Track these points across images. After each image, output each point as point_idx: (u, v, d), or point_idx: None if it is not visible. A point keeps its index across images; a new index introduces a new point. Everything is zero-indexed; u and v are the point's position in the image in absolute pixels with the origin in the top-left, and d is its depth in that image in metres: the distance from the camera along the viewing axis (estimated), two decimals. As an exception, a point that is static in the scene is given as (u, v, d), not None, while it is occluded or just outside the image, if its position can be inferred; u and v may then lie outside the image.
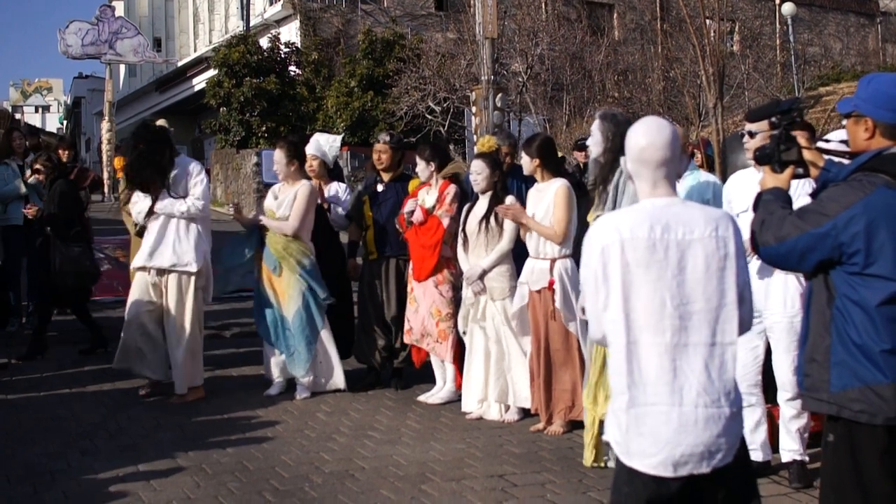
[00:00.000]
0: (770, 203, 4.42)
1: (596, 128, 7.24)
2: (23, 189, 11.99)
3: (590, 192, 7.54)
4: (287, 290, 9.26)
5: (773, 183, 4.53)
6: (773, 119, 4.62)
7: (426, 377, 9.58)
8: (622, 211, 4.11)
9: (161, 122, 10.38)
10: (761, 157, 4.62)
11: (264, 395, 9.33)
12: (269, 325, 9.36)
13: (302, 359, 9.28)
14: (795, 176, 4.58)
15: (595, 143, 7.26)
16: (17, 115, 76.30)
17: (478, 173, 8.56)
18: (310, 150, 9.95)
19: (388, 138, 9.85)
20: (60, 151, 14.07)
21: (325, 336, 9.43)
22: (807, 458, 6.85)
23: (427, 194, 9.25)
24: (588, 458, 7.18)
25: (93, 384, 9.65)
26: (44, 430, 8.21)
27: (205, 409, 8.84)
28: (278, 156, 9.42)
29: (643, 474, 3.85)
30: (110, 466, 7.21)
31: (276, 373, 9.46)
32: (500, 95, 22.54)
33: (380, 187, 9.78)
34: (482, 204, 8.63)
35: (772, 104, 4.76)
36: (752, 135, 6.63)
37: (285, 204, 9.29)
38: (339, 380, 9.53)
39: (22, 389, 9.52)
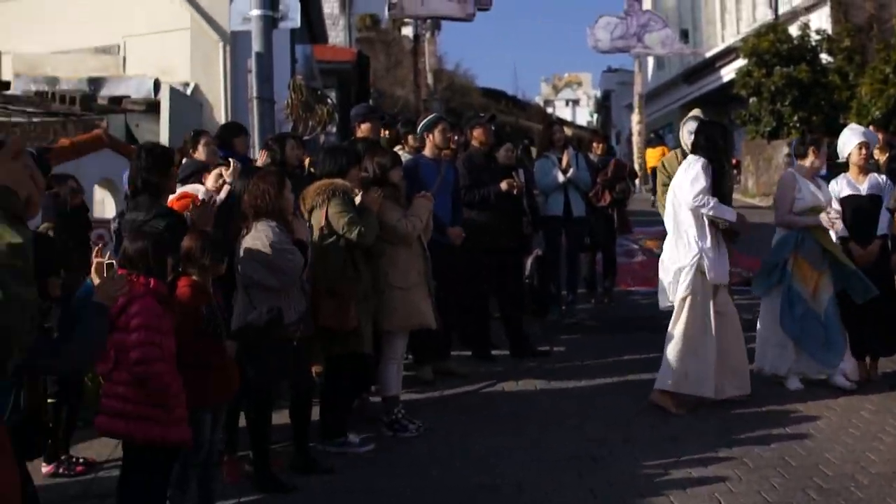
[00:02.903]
0: None
1: None
2: (561, 179, 12.34)
3: None
4: (822, 282, 9.02)
5: None
6: None
7: None
8: None
9: (696, 111, 10.34)
10: None
11: (794, 390, 9.05)
12: (798, 321, 9.08)
13: (839, 350, 9.05)
14: None
15: None
16: (549, 109, 79.86)
17: None
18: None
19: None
20: (594, 145, 14.47)
21: None
22: None
23: None
24: None
25: (633, 373, 9.81)
26: (586, 418, 8.46)
27: (743, 403, 8.69)
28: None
29: None
30: (651, 456, 7.32)
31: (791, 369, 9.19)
32: None
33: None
34: None
35: None
36: None
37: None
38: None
39: (564, 377, 9.86)
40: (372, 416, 8.46)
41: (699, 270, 8.50)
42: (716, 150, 8.66)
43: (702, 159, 8.61)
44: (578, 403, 8.94)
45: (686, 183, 8.57)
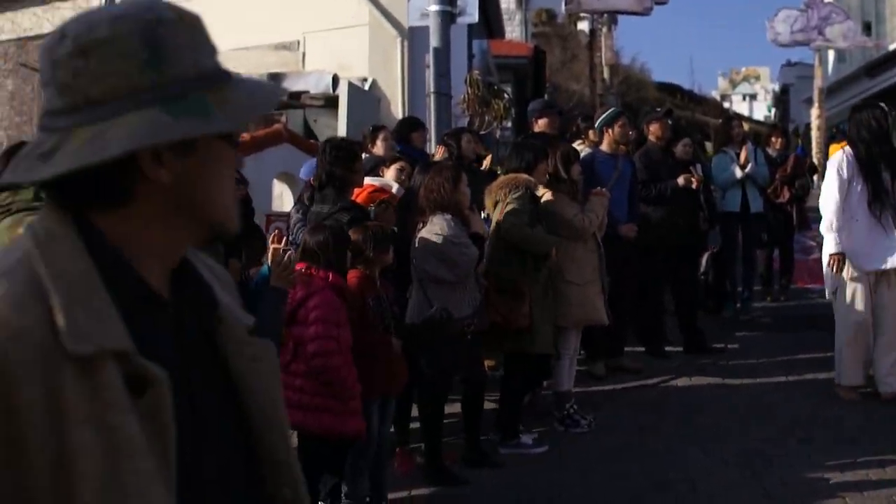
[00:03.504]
0: None
1: None
2: (738, 174, 12.15)
3: None
4: None
5: None
6: None
7: None
8: None
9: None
10: None
11: None
12: None
13: None
14: None
15: None
16: (726, 104, 78.46)
17: None
18: None
19: None
20: (773, 139, 14.22)
21: None
22: None
23: None
24: None
25: (808, 372, 9.62)
26: (760, 416, 8.36)
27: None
28: None
29: None
30: (826, 456, 7.20)
31: None
32: None
33: None
34: None
35: None
36: None
37: None
38: None
39: (739, 374, 9.74)
40: (543, 411, 8.51)
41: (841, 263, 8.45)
42: (863, 141, 8.43)
43: (837, 155, 8.51)
44: (753, 401, 8.83)
45: None
